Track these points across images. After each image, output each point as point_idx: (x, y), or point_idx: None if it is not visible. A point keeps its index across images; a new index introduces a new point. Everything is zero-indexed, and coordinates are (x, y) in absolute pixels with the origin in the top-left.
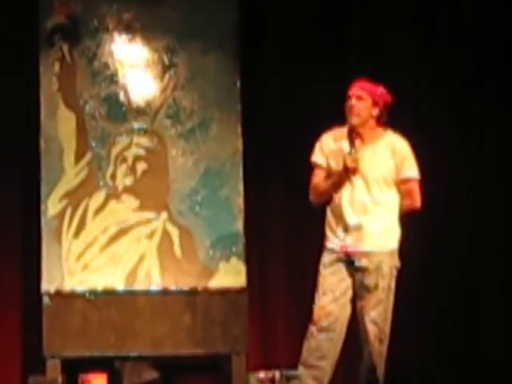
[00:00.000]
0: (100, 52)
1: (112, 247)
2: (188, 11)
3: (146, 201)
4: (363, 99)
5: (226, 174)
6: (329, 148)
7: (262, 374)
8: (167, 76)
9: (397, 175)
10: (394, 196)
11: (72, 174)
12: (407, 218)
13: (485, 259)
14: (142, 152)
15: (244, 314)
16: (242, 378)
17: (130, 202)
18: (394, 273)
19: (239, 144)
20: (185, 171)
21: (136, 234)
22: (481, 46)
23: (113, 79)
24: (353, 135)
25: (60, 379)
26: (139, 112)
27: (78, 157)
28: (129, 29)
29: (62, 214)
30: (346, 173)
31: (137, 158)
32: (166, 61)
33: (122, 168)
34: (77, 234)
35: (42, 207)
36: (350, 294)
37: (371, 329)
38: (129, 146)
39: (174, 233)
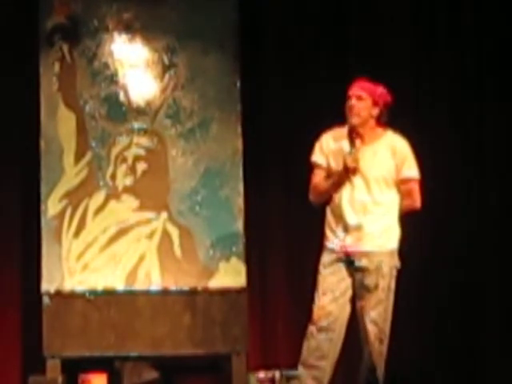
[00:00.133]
0: (100, 52)
1: (112, 247)
2: (188, 11)
3: (145, 201)
4: (363, 99)
5: (225, 174)
6: (329, 148)
7: (261, 374)
8: (167, 76)
9: (397, 175)
10: (393, 196)
11: (72, 174)
12: (407, 218)
13: (485, 259)
14: (141, 152)
15: (244, 314)
16: (242, 378)
17: (129, 201)
18: (394, 273)
19: (239, 144)
20: (185, 171)
21: (136, 234)
22: (481, 46)
23: (113, 79)
24: (353, 135)
25: (60, 379)
26: (139, 112)
27: (78, 157)
28: (129, 29)
29: (62, 214)
30: (346, 173)
31: (137, 158)
32: (166, 61)
33: (122, 168)
34: (77, 233)
35: (42, 207)
36: (349, 293)
37: (371, 329)
38: (129, 146)
39: (174, 233)
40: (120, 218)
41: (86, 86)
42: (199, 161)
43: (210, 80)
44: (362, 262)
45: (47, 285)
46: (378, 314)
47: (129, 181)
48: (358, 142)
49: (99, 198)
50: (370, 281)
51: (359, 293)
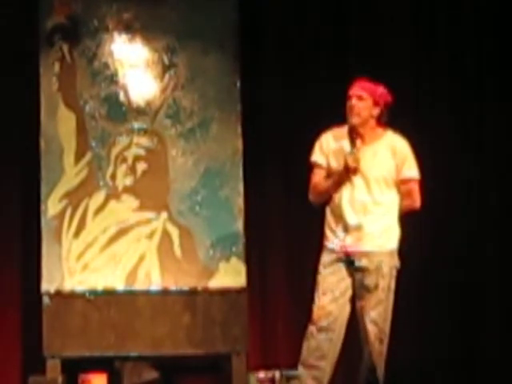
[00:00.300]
0: (100, 52)
1: (112, 247)
2: (188, 11)
3: (146, 201)
4: (364, 99)
5: (225, 174)
6: (329, 147)
7: (261, 374)
8: (167, 76)
9: (397, 175)
10: (394, 196)
11: (72, 174)
12: (407, 218)
13: (485, 259)
14: (141, 152)
15: (244, 314)
16: (242, 378)
17: (130, 201)
18: (394, 273)
19: (239, 144)
20: (185, 171)
21: (136, 234)
22: (481, 46)
23: (113, 79)
24: (353, 135)
25: (60, 379)
26: (139, 112)
27: (78, 157)
28: (129, 29)
29: (62, 214)
30: (347, 172)
31: (137, 158)
32: (166, 61)
33: (122, 168)
34: (77, 234)
35: (42, 207)
36: (349, 293)
37: (371, 329)
38: (129, 146)
39: (174, 233)
40: (120, 218)
41: (86, 86)
42: (199, 161)
43: (210, 80)
44: (362, 262)
45: (47, 285)
46: (377, 314)
47: (129, 181)
48: (358, 141)
49: (99, 197)
50: (369, 281)
51: (359, 293)
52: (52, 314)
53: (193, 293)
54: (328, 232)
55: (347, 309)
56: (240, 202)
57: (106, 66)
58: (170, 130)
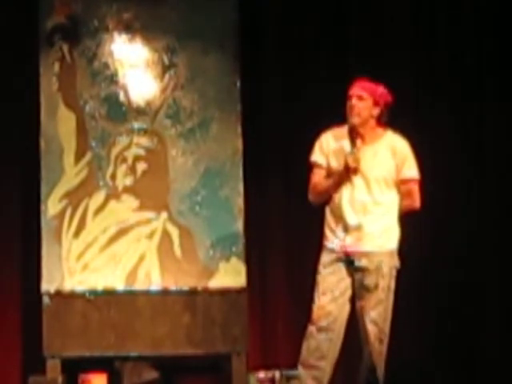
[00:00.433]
0: (100, 52)
1: (112, 247)
2: (188, 11)
3: (146, 201)
4: (364, 99)
5: (225, 174)
6: (329, 147)
7: (261, 374)
8: (167, 76)
9: (397, 175)
10: (393, 196)
11: (72, 174)
12: (407, 218)
13: (485, 259)
14: (141, 152)
15: (244, 314)
16: (242, 378)
17: (130, 202)
18: (394, 273)
19: (239, 144)
20: (185, 171)
21: (136, 234)
22: (481, 46)
23: (113, 79)
24: (353, 135)
25: (60, 379)
26: (139, 112)
27: (78, 157)
28: (129, 29)
29: (62, 214)
30: (347, 172)
31: (137, 158)
32: (166, 61)
33: (122, 168)
34: (77, 234)
35: (42, 207)
36: (349, 293)
37: (371, 329)
38: (129, 146)
39: (174, 233)
40: (120, 218)
41: (86, 86)
42: (199, 161)
43: (210, 80)
44: (362, 262)
45: (47, 285)
46: (377, 314)
47: (129, 181)
48: (358, 141)
49: (99, 197)
50: (369, 281)
51: (359, 293)
52: (52, 314)
53: (193, 293)
54: (328, 232)
55: (347, 309)
56: (240, 202)
57: (106, 66)
58: (170, 130)
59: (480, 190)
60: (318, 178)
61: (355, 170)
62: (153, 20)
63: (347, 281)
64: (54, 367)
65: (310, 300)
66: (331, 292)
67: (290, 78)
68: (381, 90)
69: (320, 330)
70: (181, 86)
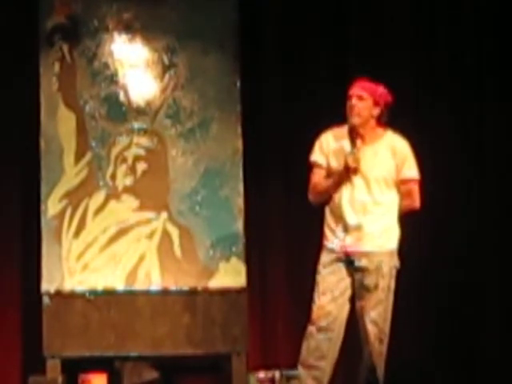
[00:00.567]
0: (100, 52)
1: (112, 247)
2: (188, 11)
3: (146, 201)
4: (364, 99)
5: (225, 174)
6: (329, 147)
7: (261, 374)
8: (167, 76)
9: (397, 175)
10: (393, 196)
11: (72, 174)
12: (407, 218)
13: (485, 259)
14: (141, 152)
15: (244, 314)
16: (242, 378)
17: (130, 201)
18: (394, 273)
19: (239, 144)
20: (185, 171)
21: (136, 234)
22: (481, 46)
23: (113, 79)
24: (353, 135)
25: (60, 379)
26: (139, 112)
27: (78, 157)
28: (129, 29)
29: (62, 214)
30: (347, 172)
31: (137, 158)
32: (166, 61)
33: (122, 168)
34: (77, 234)
35: (42, 207)
36: (348, 293)
37: (371, 329)
38: (129, 146)
39: (174, 233)
40: (120, 218)
41: (86, 86)
42: (199, 161)
43: (210, 80)
44: (362, 262)
45: (47, 285)
46: (377, 314)
47: (129, 181)
48: (358, 141)
49: (99, 197)
50: (369, 281)
51: (359, 293)
52: (52, 314)
53: (193, 293)
54: (328, 232)
55: (346, 309)
56: (240, 202)
57: (106, 66)
58: (170, 130)
59: (480, 190)
60: (317, 177)
61: (355, 170)
62: (153, 20)
63: (347, 281)
64: (53, 367)
65: (310, 300)
66: (331, 292)
67: (290, 77)
68: (381, 90)
69: (320, 329)
70: (181, 86)
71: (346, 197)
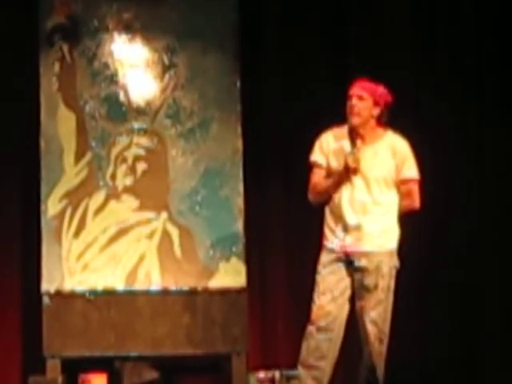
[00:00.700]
0: (100, 52)
1: (112, 247)
2: (188, 11)
3: (146, 201)
4: (364, 99)
5: (225, 174)
6: (329, 147)
7: (261, 374)
8: (167, 76)
9: (397, 175)
10: (393, 196)
11: (72, 174)
12: (407, 218)
13: (485, 259)
14: (141, 152)
15: (244, 314)
16: (242, 378)
17: (130, 201)
18: (394, 273)
19: (239, 144)
20: (185, 171)
21: (136, 234)
22: (481, 46)
23: (113, 79)
24: (354, 135)
25: (60, 379)
26: (139, 112)
27: (78, 157)
28: (129, 29)
29: (62, 214)
30: (347, 172)
31: (137, 158)
32: (166, 61)
33: (122, 168)
34: (77, 234)
35: (42, 207)
36: (348, 293)
37: (371, 329)
38: (129, 146)
39: (174, 233)
40: (120, 218)
41: (86, 86)
42: (199, 161)
43: (210, 80)
44: (362, 262)
45: (47, 285)
46: (377, 314)
47: (129, 181)
48: (358, 141)
49: (99, 197)
50: (369, 281)
51: (359, 293)
52: (52, 314)
53: (193, 293)
54: (327, 232)
55: (346, 308)
56: (240, 202)
57: (106, 66)
58: (170, 130)
59: (480, 190)
60: (317, 177)
61: (355, 170)
62: (153, 20)
63: (347, 281)
64: (54, 367)
65: (310, 300)
66: (331, 292)
67: (290, 77)
68: (381, 90)
69: (319, 329)
70: (181, 86)
71: (345, 197)
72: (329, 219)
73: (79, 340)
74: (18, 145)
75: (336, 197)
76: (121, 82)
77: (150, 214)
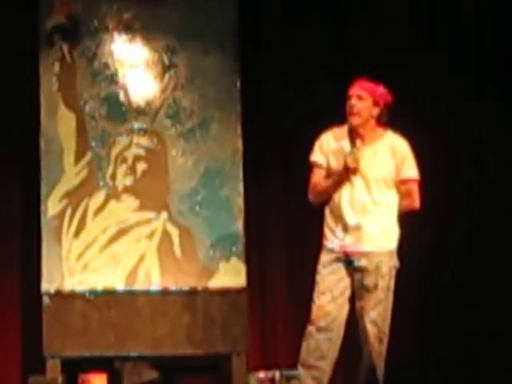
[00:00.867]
0: (100, 52)
1: (112, 247)
2: (188, 11)
3: (145, 201)
4: (364, 99)
5: (225, 174)
6: (329, 147)
7: (261, 374)
8: (167, 76)
9: (397, 175)
10: (393, 196)
11: (72, 174)
12: (407, 218)
13: (485, 259)
14: (141, 152)
15: (244, 314)
16: (242, 378)
17: (130, 201)
18: (393, 273)
19: (239, 144)
20: (185, 171)
21: (136, 234)
22: (481, 46)
23: (113, 79)
24: (353, 135)
25: (60, 379)
26: (139, 112)
27: (78, 157)
28: (129, 29)
29: (61, 214)
30: (347, 173)
31: (137, 158)
32: (166, 61)
33: (122, 168)
34: (77, 234)
35: (42, 207)
36: (348, 293)
37: (371, 329)
38: (129, 146)
39: (174, 233)
40: (120, 218)
41: (86, 86)
42: (199, 161)
43: (210, 80)
44: (362, 262)
45: (47, 285)
46: (377, 314)
47: (129, 181)
48: (358, 142)
49: (99, 197)
50: (369, 281)
51: (358, 293)
52: (52, 314)
53: (193, 293)
54: (327, 232)
55: (346, 308)
56: (240, 202)
57: (106, 66)
58: (170, 130)
59: (480, 190)
60: (317, 177)
61: (354, 171)
62: (153, 20)
63: (346, 281)
64: (54, 367)
65: (310, 300)
66: (330, 292)
67: (290, 77)
68: (381, 89)
69: (319, 329)
70: (181, 86)
71: (345, 197)
72: (329, 219)
73: (79, 340)
74: (17, 145)
75: (336, 197)
76: (121, 82)
77: (149, 214)
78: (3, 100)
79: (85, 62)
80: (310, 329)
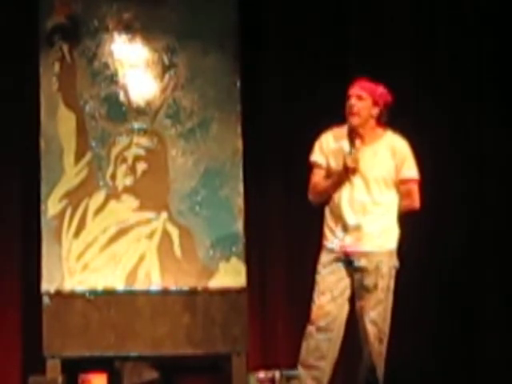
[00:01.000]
0: (100, 52)
1: (112, 247)
2: (188, 11)
3: (145, 201)
4: (363, 99)
5: (225, 174)
6: (329, 147)
7: (261, 374)
8: (167, 76)
9: (396, 175)
10: (393, 196)
11: (72, 174)
12: (406, 218)
13: (485, 259)
14: (141, 152)
15: (244, 314)
16: (242, 378)
17: (130, 201)
18: (393, 273)
19: (239, 144)
20: (185, 171)
21: (136, 234)
22: (481, 45)
23: (113, 79)
24: (353, 135)
25: (60, 379)
26: (139, 112)
27: (78, 157)
28: (129, 29)
29: (62, 214)
30: (346, 173)
31: (137, 158)
32: (166, 61)
33: (122, 168)
34: (77, 234)
35: (42, 207)
36: (348, 293)
37: (371, 329)
38: (129, 146)
39: (174, 233)
40: (120, 218)
41: (86, 86)
42: (199, 161)
43: (210, 80)
44: (362, 262)
45: (47, 285)
46: (377, 314)
47: (129, 181)
48: (358, 142)
49: (99, 197)
50: (369, 281)
51: (358, 293)
52: (52, 314)
53: (193, 293)
54: (327, 232)
55: (346, 308)
56: (240, 202)
57: (106, 66)
58: (170, 130)
59: (480, 189)
60: (317, 177)
61: (354, 171)
62: (153, 20)
63: (346, 281)
64: (54, 367)
65: (310, 300)
66: (330, 292)
67: (290, 77)
68: (380, 89)
69: (319, 329)
70: (181, 86)
71: (345, 197)
72: (328, 219)
73: (79, 340)
74: (17, 145)
75: (336, 197)
76: (121, 82)
77: (150, 214)
78: (3, 100)
79: (85, 62)
80: (310, 329)
